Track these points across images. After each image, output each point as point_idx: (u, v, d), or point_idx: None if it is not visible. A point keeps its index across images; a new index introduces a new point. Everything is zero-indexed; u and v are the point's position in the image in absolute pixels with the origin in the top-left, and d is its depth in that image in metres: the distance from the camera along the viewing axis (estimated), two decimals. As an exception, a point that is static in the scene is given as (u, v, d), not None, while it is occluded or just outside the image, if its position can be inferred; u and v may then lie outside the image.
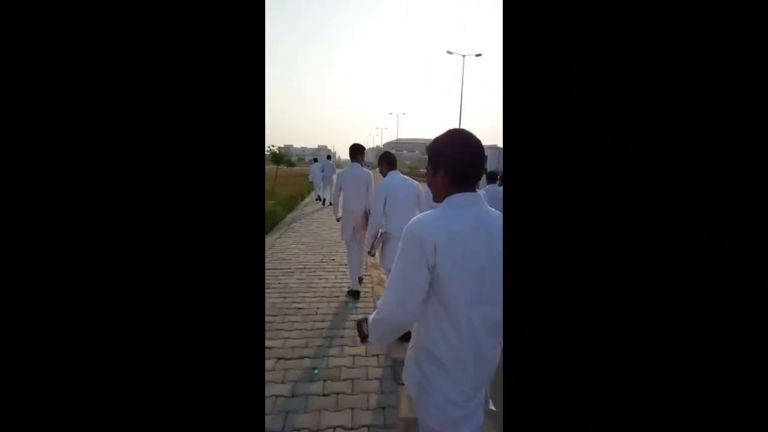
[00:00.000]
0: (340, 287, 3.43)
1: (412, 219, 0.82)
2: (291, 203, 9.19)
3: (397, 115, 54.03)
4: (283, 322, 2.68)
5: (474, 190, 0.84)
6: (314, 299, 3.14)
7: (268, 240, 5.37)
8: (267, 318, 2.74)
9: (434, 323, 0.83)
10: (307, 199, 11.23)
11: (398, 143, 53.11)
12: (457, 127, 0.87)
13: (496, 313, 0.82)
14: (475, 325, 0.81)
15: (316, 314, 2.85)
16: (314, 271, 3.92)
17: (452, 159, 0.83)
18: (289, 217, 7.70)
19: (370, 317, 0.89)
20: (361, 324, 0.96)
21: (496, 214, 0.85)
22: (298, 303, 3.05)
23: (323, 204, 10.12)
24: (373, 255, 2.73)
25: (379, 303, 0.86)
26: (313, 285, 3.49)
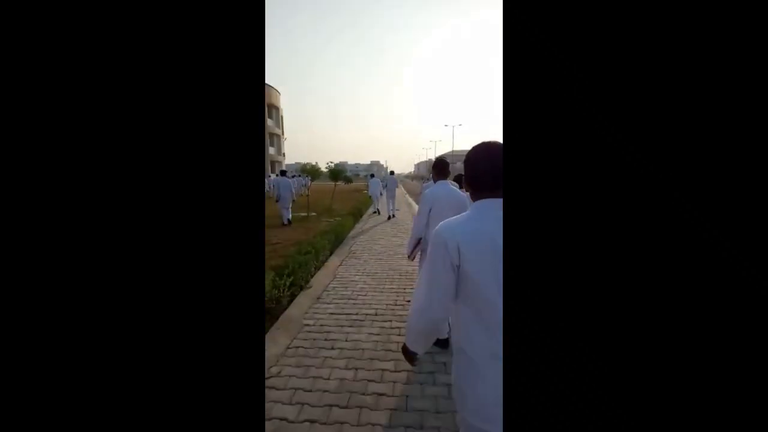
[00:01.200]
0: (431, 355, 2.41)
1: (440, 223, 0.88)
2: (352, 223, 8.50)
3: (453, 127, 52.64)
4: (359, 425, 1.74)
5: (499, 197, 0.86)
6: (399, 376, 2.17)
7: (332, 267, 4.60)
8: (336, 412, 1.83)
9: (465, 323, 0.86)
10: (365, 216, 10.53)
11: (453, 155, 51.46)
12: (491, 140, 0.92)
13: None
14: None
15: (406, 410, 1.86)
16: (389, 321, 2.97)
17: (471, 169, 0.90)
18: (350, 237, 6.96)
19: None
20: (406, 347, 0.99)
21: None
22: (376, 381, 2.10)
23: (391, 216, 9.70)
24: (412, 259, 2.64)
25: (411, 305, 0.94)
26: (392, 347, 2.53)
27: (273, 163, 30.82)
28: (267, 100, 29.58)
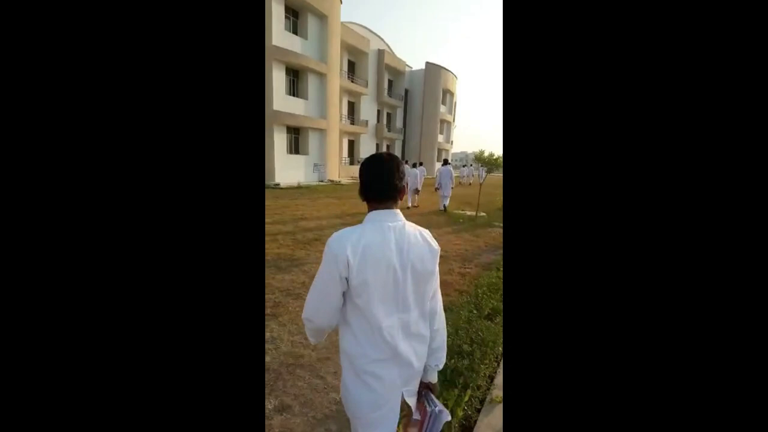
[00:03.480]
0: None
1: (334, 234, 0.88)
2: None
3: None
4: None
5: (390, 207, 0.89)
6: None
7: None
8: None
9: (353, 329, 0.89)
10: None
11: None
12: (379, 152, 0.98)
13: (412, 317, 0.89)
14: (393, 331, 0.87)
15: None
16: None
17: (362, 181, 0.92)
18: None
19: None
20: None
21: (412, 228, 0.90)
22: None
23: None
24: None
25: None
26: None
27: (440, 150, 30.12)
28: (443, 85, 28.71)
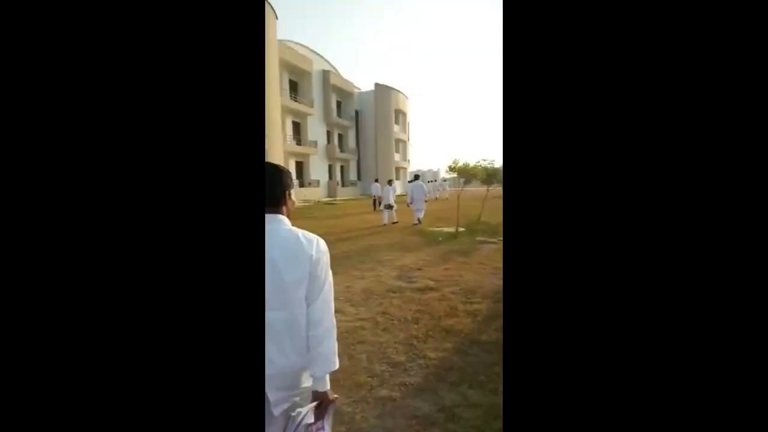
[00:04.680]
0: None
1: None
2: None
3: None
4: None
5: (274, 212, 0.92)
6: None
7: None
8: None
9: None
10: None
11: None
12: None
13: (278, 316, 0.87)
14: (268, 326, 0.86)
15: None
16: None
17: None
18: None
19: None
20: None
21: (292, 234, 0.91)
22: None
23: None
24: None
25: None
26: None
27: (398, 169, 28.89)
28: (394, 105, 27.95)
